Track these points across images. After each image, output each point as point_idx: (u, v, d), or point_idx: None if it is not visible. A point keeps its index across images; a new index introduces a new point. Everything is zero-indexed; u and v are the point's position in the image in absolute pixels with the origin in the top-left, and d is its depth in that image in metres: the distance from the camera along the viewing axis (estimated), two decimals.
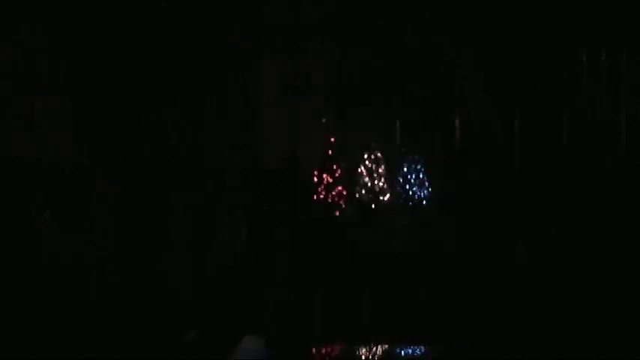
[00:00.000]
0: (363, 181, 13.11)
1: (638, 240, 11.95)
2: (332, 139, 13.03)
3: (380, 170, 13.12)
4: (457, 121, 13.09)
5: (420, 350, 9.62)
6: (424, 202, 13.00)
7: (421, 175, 13.03)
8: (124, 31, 12.32)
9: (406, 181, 13.02)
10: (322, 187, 12.91)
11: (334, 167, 12.98)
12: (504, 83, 12.90)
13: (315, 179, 12.94)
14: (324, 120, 13.14)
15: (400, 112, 13.14)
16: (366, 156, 13.13)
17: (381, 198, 13.07)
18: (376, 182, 13.08)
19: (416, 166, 13.04)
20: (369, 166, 13.12)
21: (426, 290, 12.12)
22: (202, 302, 11.90)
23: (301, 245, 12.47)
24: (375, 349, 9.41)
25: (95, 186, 12.16)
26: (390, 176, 13.11)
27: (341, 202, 12.97)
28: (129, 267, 12.06)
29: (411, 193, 13.00)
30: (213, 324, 11.31)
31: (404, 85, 13.04)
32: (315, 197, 12.90)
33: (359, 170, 13.12)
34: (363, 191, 13.09)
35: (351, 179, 13.11)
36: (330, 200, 12.89)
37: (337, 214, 12.91)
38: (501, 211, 12.59)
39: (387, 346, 9.58)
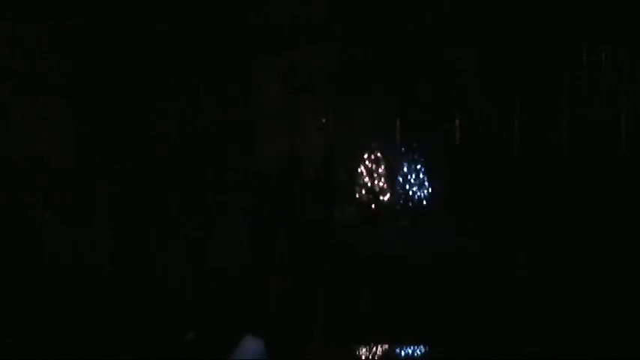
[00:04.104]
0: (363, 181, 13.11)
1: (638, 240, 11.94)
2: (332, 139, 13.03)
3: (380, 170, 13.12)
4: (457, 121, 13.09)
5: (420, 350, 9.61)
6: (424, 202, 13.01)
7: (421, 175, 13.03)
8: (125, 31, 12.33)
9: (406, 181, 13.03)
10: (322, 187, 12.91)
11: (334, 167, 12.98)
12: (504, 83, 12.90)
13: (315, 179, 12.94)
14: (324, 120, 13.14)
15: (400, 112, 13.15)
16: (366, 156, 13.14)
17: (381, 198, 13.07)
18: (376, 182, 13.08)
19: (416, 166, 13.04)
20: (369, 166, 13.12)
21: (426, 290, 12.11)
22: (202, 302, 11.89)
23: (301, 245, 12.46)
24: (375, 349, 9.40)
25: (95, 186, 12.16)
26: (390, 176, 13.11)
27: (341, 202, 12.97)
28: (129, 267, 12.05)
29: (411, 193, 13.00)
30: (213, 324, 11.31)
31: (404, 85, 13.04)
32: (314, 197, 12.90)
33: (359, 170, 13.12)
34: (363, 191, 13.10)
35: (351, 179, 13.12)
36: (329, 200, 12.89)
37: (337, 214, 12.92)
38: (501, 210, 12.59)
39: (387, 346, 9.57)
